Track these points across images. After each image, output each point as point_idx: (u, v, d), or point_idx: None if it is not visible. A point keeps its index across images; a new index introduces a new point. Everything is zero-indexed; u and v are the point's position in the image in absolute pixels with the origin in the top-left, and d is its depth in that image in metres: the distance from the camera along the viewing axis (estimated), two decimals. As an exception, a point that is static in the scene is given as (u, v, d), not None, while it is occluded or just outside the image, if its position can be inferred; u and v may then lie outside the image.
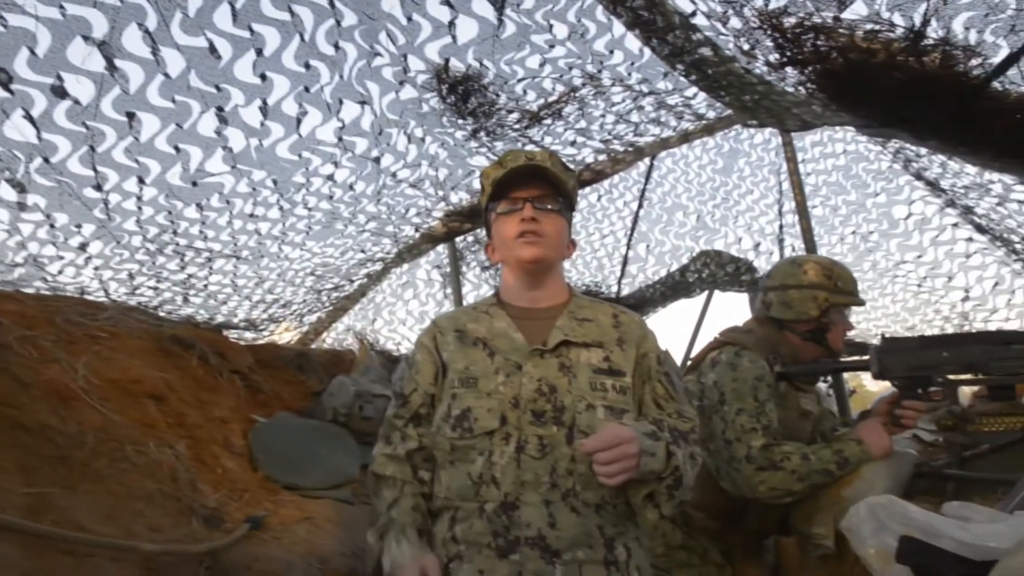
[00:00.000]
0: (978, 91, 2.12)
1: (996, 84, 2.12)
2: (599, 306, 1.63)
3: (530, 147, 3.72)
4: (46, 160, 2.49)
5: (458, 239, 5.16)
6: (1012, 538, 1.20)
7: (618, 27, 2.95)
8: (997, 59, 2.06)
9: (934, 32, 1.99)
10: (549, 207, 1.56)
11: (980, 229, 4.51)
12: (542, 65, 3.18)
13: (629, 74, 3.36)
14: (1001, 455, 2.24)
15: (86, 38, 2.17)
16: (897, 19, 2.02)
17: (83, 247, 3.12)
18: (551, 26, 2.93)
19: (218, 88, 2.60)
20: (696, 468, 1.47)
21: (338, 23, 2.60)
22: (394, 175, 3.74)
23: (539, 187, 1.55)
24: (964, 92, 2.13)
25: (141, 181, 2.85)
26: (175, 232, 3.32)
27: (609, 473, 1.26)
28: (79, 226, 2.97)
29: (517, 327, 1.54)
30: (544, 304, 1.60)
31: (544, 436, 1.40)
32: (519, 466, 1.38)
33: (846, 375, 5.04)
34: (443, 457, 1.48)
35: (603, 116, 3.77)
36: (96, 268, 3.32)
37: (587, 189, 5.04)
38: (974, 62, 2.06)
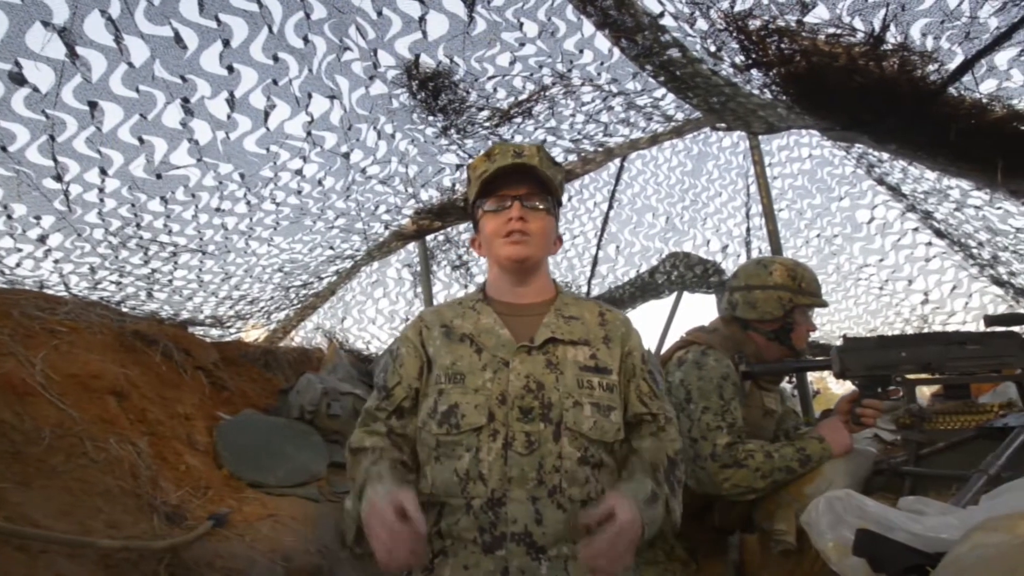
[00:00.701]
0: (935, 96, 2.17)
1: (952, 90, 2.17)
2: (585, 304, 1.63)
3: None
4: (3, 149, 2.44)
5: (429, 237, 5.13)
6: (962, 530, 1.22)
7: (588, 26, 2.97)
8: (953, 65, 2.11)
9: (893, 37, 2.04)
10: (538, 205, 1.54)
11: (939, 234, 4.64)
12: (512, 63, 3.18)
13: (599, 74, 3.38)
14: (956, 452, 2.29)
15: (46, 24, 2.12)
16: (857, 24, 2.06)
17: (42, 239, 3.05)
18: (521, 24, 2.93)
19: (184, 79, 2.56)
20: (682, 486, 1.50)
21: (307, 16, 2.58)
22: (363, 171, 3.71)
23: (527, 184, 1.54)
24: (921, 97, 2.18)
25: (103, 172, 2.80)
26: (139, 225, 3.26)
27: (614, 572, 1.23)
28: (38, 218, 2.91)
29: (504, 323, 1.53)
30: (530, 300, 1.59)
31: (531, 433, 1.40)
32: (506, 462, 1.38)
33: (811, 376, 5.13)
34: (428, 453, 1.46)
35: (573, 116, 3.78)
36: (56, 261, 3.25)
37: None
38: (931, 68, 2.11)
